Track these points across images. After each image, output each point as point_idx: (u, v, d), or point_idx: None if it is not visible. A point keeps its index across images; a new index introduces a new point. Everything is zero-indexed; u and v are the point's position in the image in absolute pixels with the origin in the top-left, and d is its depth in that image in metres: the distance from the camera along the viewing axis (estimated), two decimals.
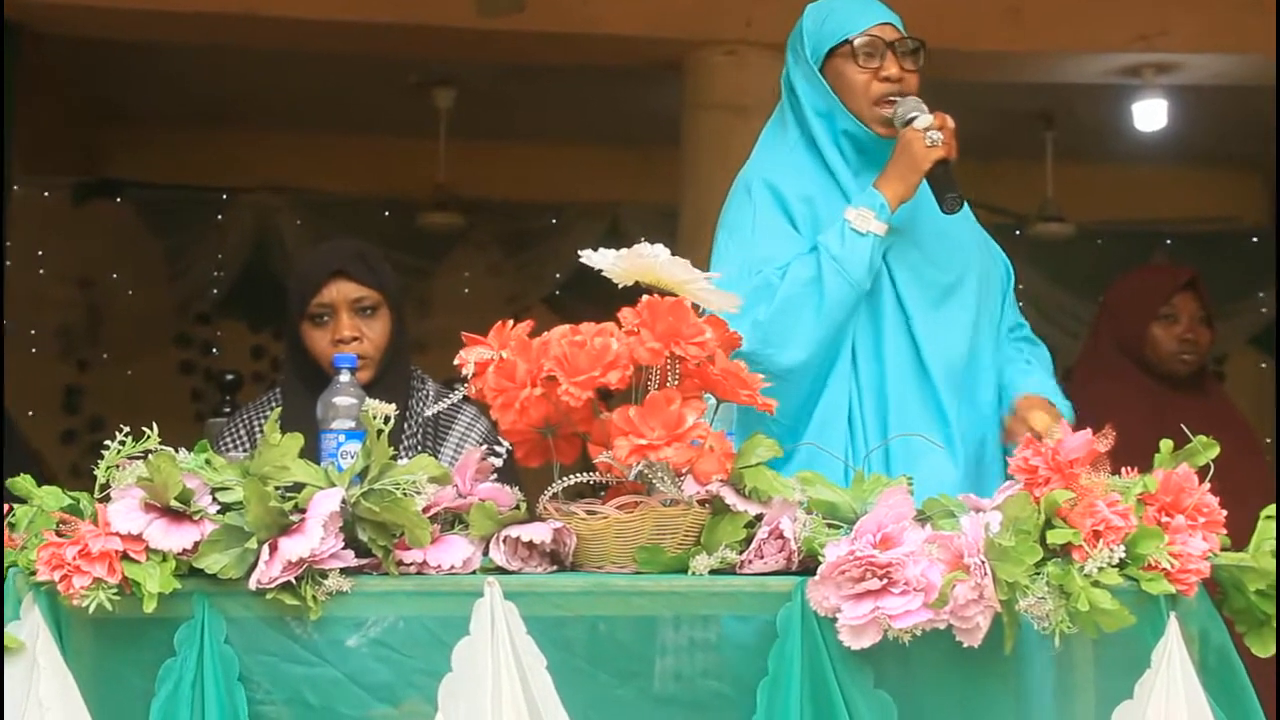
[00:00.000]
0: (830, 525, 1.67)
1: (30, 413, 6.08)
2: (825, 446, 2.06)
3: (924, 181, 2.14)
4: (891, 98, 2.17)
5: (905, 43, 2.19)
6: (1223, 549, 1.69)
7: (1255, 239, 6.53)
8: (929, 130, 2.11)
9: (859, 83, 2.18)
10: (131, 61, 5.53)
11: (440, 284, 6.50)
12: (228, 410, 2.66)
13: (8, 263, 5.65)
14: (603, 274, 1.75)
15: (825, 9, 2.22)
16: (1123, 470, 1.70)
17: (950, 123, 2.13)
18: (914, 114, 2.14)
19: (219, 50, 5.26)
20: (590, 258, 1.73)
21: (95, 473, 1.66)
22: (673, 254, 1.74)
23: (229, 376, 5.31)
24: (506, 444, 1.82)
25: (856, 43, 2.17)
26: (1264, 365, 6.60)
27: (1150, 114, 5.69)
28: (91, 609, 1.58)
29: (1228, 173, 6.65)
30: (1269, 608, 1.69)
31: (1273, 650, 1.70)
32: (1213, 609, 1.69)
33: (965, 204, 2.16)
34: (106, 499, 1.65)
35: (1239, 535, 1.71)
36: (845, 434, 2.14)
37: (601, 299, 1.82)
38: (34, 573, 1.61)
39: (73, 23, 4.79)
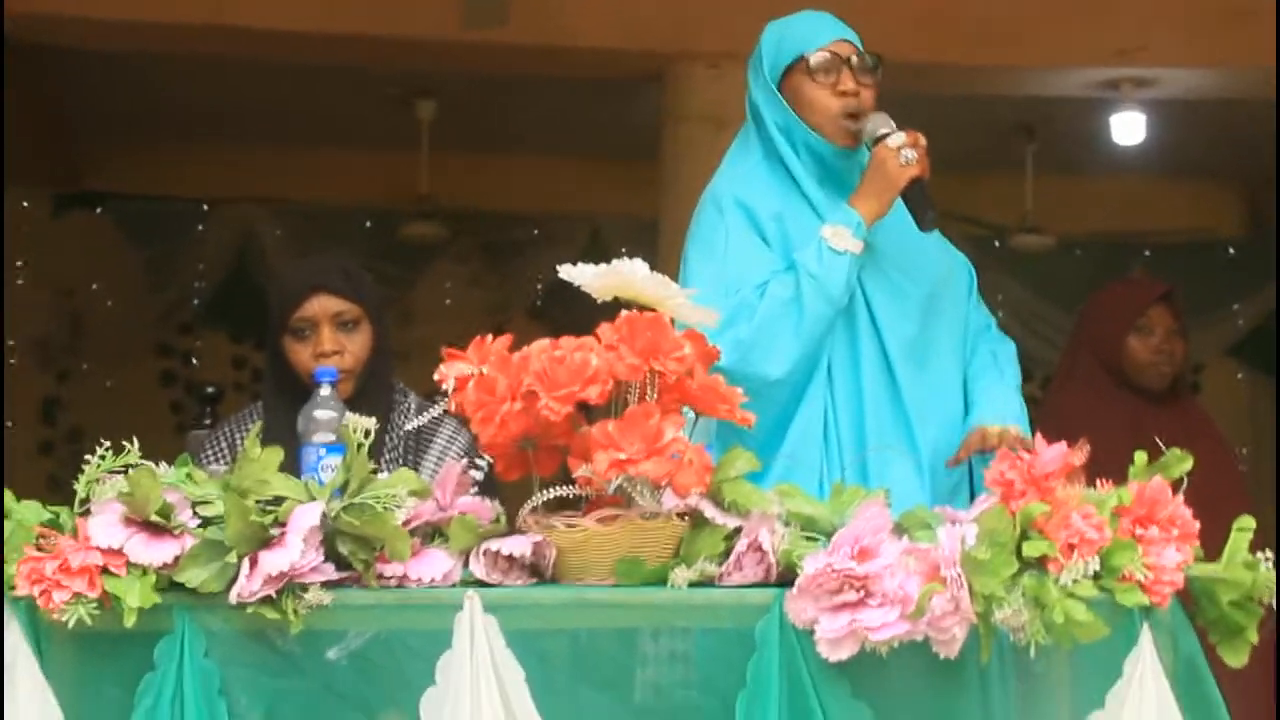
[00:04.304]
0: (808, 538, 1.68)
1: (9, 424, 6.06)
2: (801, 459, 2.08)
3: (901, 200, 2.16)
4: (852, 112, 2.18)
5: (863, 59, 2.20)
6: (1196, 560, 1.71)
7: (1231, 250, 6.58)
8: (902, 149, 2.13)
9: (817, 99, 2.20)
10: (112, 73, 5.52)
11: (422, 294, 6.50)
12: (208, 423, 2.66)
13: None
14: (582, 290, 1.76)
15: (781, 28, 2.25)
16: (1099, 482, 1.71)
17: (922, 140, 2.15)
18: (884, 130, 2.16)
19: (200, 62, 5.26)
20: (569, 273, 1.75)
21: (75, 486, 1.66)
22: (652, 266, 1.76)
23: (210, 389, 5.27)
24: (487, 458, 1.82)
25: (812, 60, 2.19)
26: (1240, 376, 6.64)
27: (1129, 127, 5.72)
28: (71, 623, 1.59)
29: (1205, 185, 6.69)
30: (1242, 619, 1.71)
31: (1244, 661, 1.72)
32: (1186, 620, 1.70)
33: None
34: (87, 513, 1.65)
35: (1212, 547, 1.72)
36: (820, 447, 2.17)
37: (584, 310, 1.82)
38: (13, 587, 1.61)
39: (52, 33, 4.78)
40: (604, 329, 1.67)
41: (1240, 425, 5.93)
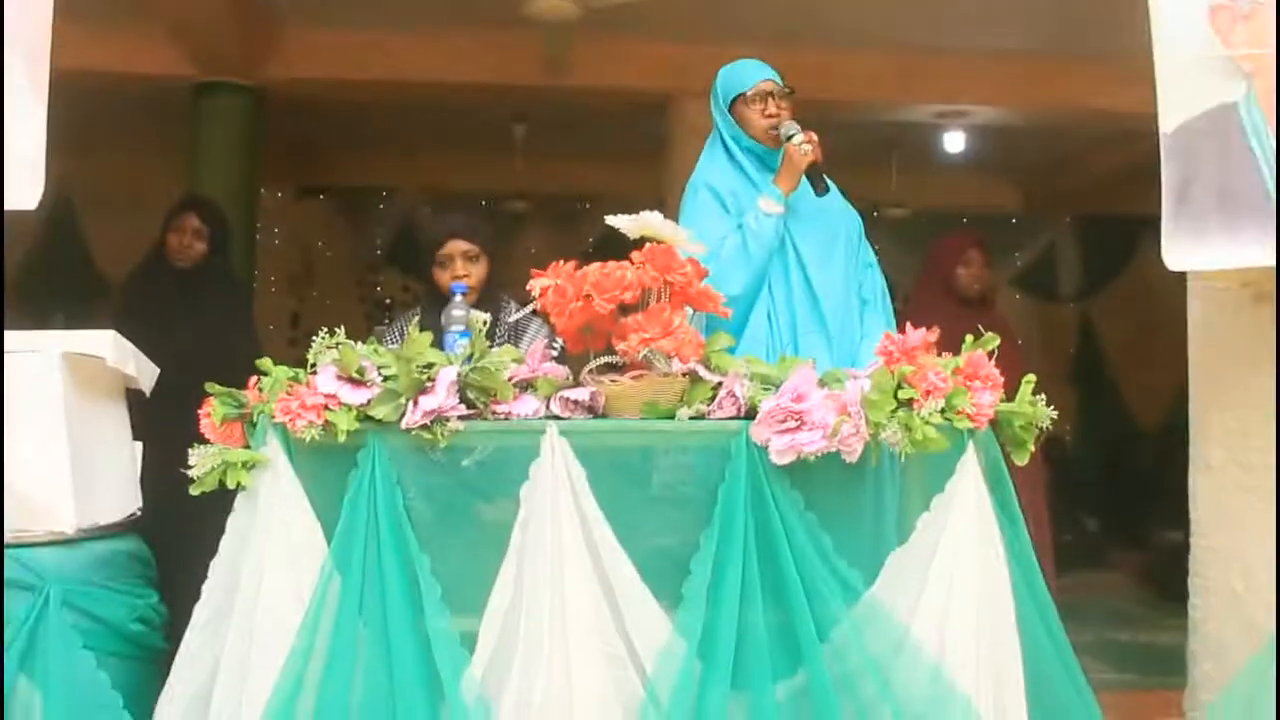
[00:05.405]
0: (764, 388, 1.63)
1: (271, 327, 6.07)
2: (757, 340, 2.04)
3: (805, 176, 2.10)
4: (774, 127, 2.13)
5: (782, 90, 2.17)
6: (1001, 401, 1.65)
7: (1014, 220, 6.53)
8: (803, 144, 2.09)
9: (753, 119, 2.15)
10: (334, 110, 5.42)
11: (516, 245, 6.48)
12: (387, 321, 2.64)
13: (258, 237, 5.57)
14: (621, 233, 1.70)
15: (729, 72, 2.20)
16: (943, 354, 1.66)
17: (815, 137, 2.11)
18: (793, 132, 2.11)
19: (386, 102, 5.16)
20: (614, 220, 1.70)
21: (308, 356, 1.62)
22: None
23: (388, 301, 5.28)
24: (560, 340, 1.77)
25: (748, 94, 2.15)
26: (1018, 297, 6.63)
27: (955, 141, 5.65)
28: (308, 439, 1.55)
29: (996, 178, 6.62)
30: (1026, 436, 1.67)
31: (1026, 460, 1.68)
32: (993, 437, 1.66)
33: (831, 186, 2.12)
34: (314, 372, 1.61)
35: (1007, 393, 1.67)
36: (767, 331, 2.13)
37: (619, 255, 1.78)
38: (274, 415, 1.58)
39: (301, 89, 4.70)
40: (635, 255, 1.62)
41: (1017, 328, 5.86)
